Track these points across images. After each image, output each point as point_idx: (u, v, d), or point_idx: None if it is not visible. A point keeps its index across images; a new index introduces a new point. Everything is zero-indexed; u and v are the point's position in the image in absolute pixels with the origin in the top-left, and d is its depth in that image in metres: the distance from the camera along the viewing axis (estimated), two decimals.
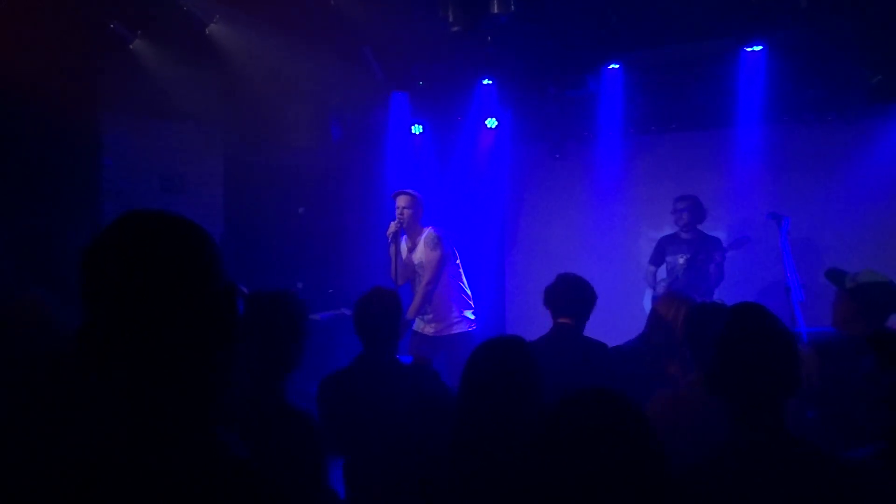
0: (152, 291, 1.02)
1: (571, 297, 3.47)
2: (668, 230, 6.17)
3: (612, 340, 3.53)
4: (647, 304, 5.99)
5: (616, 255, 7.01)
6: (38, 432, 1.33)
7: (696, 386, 2.54)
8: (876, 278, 3.07)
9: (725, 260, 5.72)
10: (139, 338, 1.02)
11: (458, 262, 5.22)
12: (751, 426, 1.81)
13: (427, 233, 5.13)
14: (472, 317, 5.22)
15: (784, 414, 1.83)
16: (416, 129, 7.20)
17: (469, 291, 5.27)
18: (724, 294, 5.64)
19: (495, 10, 5.10)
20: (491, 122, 6.98)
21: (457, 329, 5.12)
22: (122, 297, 1.02)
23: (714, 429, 1.96)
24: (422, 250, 5.13)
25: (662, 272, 6.07)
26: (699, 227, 5.87)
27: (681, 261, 5.78)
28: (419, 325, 5.19)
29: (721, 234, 6.34)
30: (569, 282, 3.51)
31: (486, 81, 6.50)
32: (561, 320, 3.46)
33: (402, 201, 5.13)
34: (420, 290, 5.09)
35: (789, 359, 1.86)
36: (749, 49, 5.49)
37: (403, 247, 5.26)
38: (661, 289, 5.83)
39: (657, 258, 6.07)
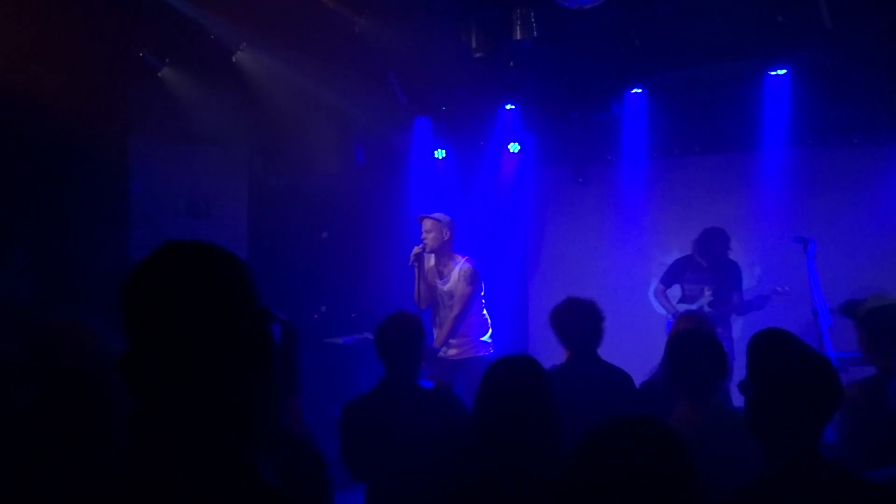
0: (189, 318, 1.06)
1: (577, 320, 3.41)
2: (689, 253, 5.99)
3: (634, 366, 3.49)
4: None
5: (640, 278, 6.95)
6: (82, 452, 1.36)
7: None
8: (883, 302, 2.93)
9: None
10: (178, 363, 1.06)
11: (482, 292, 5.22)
12: (787, 453, 1.76)
13: (463, 265, 5.10)
14: (490, 340, 5.22)
15: (821, 439, 1.78)
16: (439, 153, 7.23)
17: (488, 316, 5.26)
18: (752, 319, 5.55)
19: (518, 37, 5.12)
20: (514, 147, 7.00)
21: (475, 352, 5.11)
22: (161, 325, 1.06)
23: (753, 452, 1.91)
24: (455, 281, 5.11)
25: (674, 294, 5.90)
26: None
27: (707, 292, 5.61)
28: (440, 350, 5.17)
29: (746, 259, 6.25)
30: (575, 306, 3.44)
31: (508, 106, 6.53)
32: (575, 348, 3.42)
33: (426, 225, 5.15)
34: (449, 321, 5.07)
35: (826, 383, 1.79)
36: (773, 73, 5.47)
37: (429, 269, 5.26)
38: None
39: (670, 279, 5.89)
